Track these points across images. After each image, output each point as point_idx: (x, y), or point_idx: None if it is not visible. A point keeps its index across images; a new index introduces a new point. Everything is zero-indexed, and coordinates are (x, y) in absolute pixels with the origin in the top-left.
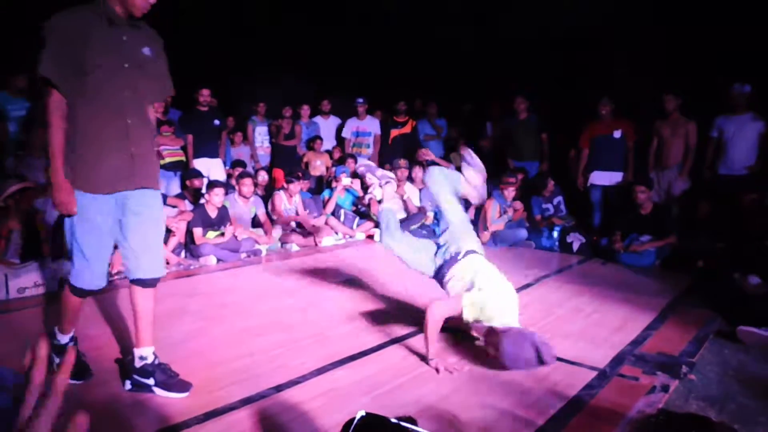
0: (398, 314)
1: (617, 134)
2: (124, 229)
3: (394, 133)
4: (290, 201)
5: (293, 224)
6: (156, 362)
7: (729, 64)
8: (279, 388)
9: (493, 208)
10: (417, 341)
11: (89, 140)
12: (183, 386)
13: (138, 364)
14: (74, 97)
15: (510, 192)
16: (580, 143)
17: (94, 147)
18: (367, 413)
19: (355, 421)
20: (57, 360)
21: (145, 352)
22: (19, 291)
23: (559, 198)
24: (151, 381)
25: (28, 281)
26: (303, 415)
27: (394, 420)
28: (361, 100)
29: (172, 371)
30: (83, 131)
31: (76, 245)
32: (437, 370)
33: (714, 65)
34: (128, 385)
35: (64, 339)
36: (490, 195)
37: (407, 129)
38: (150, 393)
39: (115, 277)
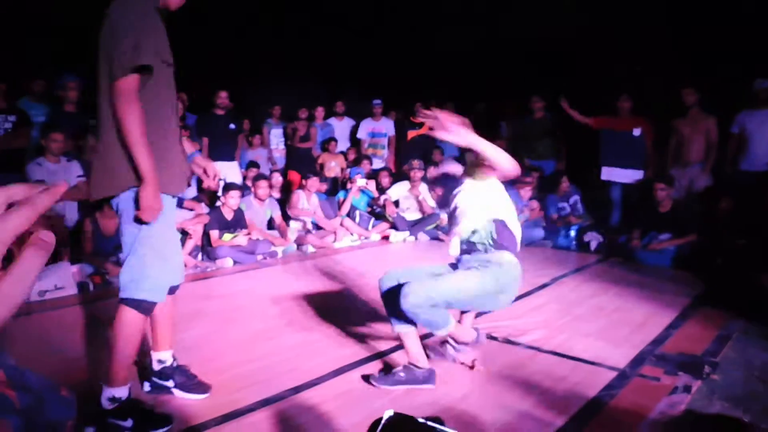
0: None
1: (637, 132)
2: None
3: (412, 134)
4: (309, 200)
5: (310, 224)
6: (175, 365)
7: (750, 60)
8: (297, 390)
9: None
10: (434, 341)
11: (162, 138)
12: (202, 388)
13: (157, 367)
14: (146, 91)
15: (526, 192)
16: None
17: (166, 146)
18: (395, 412)
19: (383, 420)
20: (127, 423)
21: (163, 356)
22: (39, 294)
23: (576, 197)
24: (170, 383)
25: (49, 284)
26: (321, 416)
27: (422, 420)
28: (378, 102)
29: (191, 373)
30: (157, 128)
31: (153, 253)
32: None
33: (735, 61)
34: (147, 386)
35: (122, 392)
36: None
37: (424, 130)
38: (169, 395)
39: None
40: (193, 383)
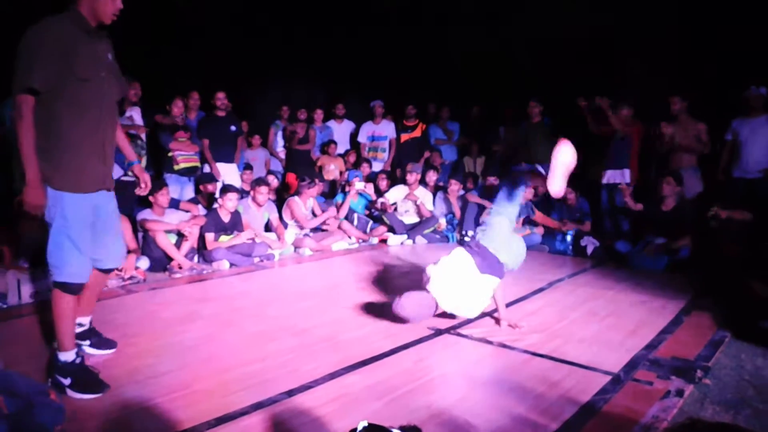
0: None
1: (624, 134)
2: (99, 226)
3: (404, 137)
4: (306, 205)
5: (308, 229)
6: (89, 327)
7: (744, 66)
8: (291, 393)
9: None
10: (430, 346)
11: (74, 146)
12: (109, 344)
13: (76, 330)
14: (57, 104)
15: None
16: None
17: (79, 152)
18: (369, 423)
19: (357, 431)
20: (66, 381)
21: (83, 320)
22: (31, 296)
23: (578, 215)
24: (86, 343)
25: (41, 286)
26: (315, 420)
27: (396, 430)
28: (379, 102)
29: (98, 332)
30: (67, 137)
31: (71, 243)
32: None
33: (730, 67)
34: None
35: (69, 356)
36: None
37: (417, 133)
38: (83, 353)
39: (127, 282)
40: (101, 341)
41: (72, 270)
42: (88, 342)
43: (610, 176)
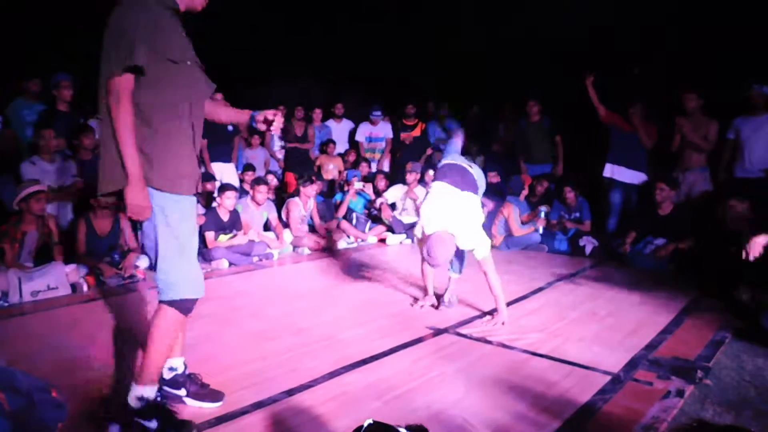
0: (410, 318)
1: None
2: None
3: (404, 136)
4: (305, 206)
5: (306, 227)
6: (186, 372)
7: (747, 64)
8: (291, 392)
9: (515, 213)
10: (429, 345)
11: (170, 139)
12: (215, 396)
13: (168, 375)
14: (148, 89)
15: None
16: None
17: (175, 146)
18: (374, 422)
19: (363, 429)
20: (152, 425)
21: (175, 363)
22: (32, 294)
23: (578, 213)
24: (182, 392)
25: (42, 284)
26: (315, 419)
27: (403, 429)
28: (378, 114)
29: (203, 382)
30: (164, 129)
31: (186, 254)
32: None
33: (732, 66)
34: (158, 397)
35: (151, 392)
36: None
37: (417, 132)
38: (180, 404)
39: (127, 281)
40: (206, 392)
41: (192, 283)
42: (183, 391)
43: (624, 175)
